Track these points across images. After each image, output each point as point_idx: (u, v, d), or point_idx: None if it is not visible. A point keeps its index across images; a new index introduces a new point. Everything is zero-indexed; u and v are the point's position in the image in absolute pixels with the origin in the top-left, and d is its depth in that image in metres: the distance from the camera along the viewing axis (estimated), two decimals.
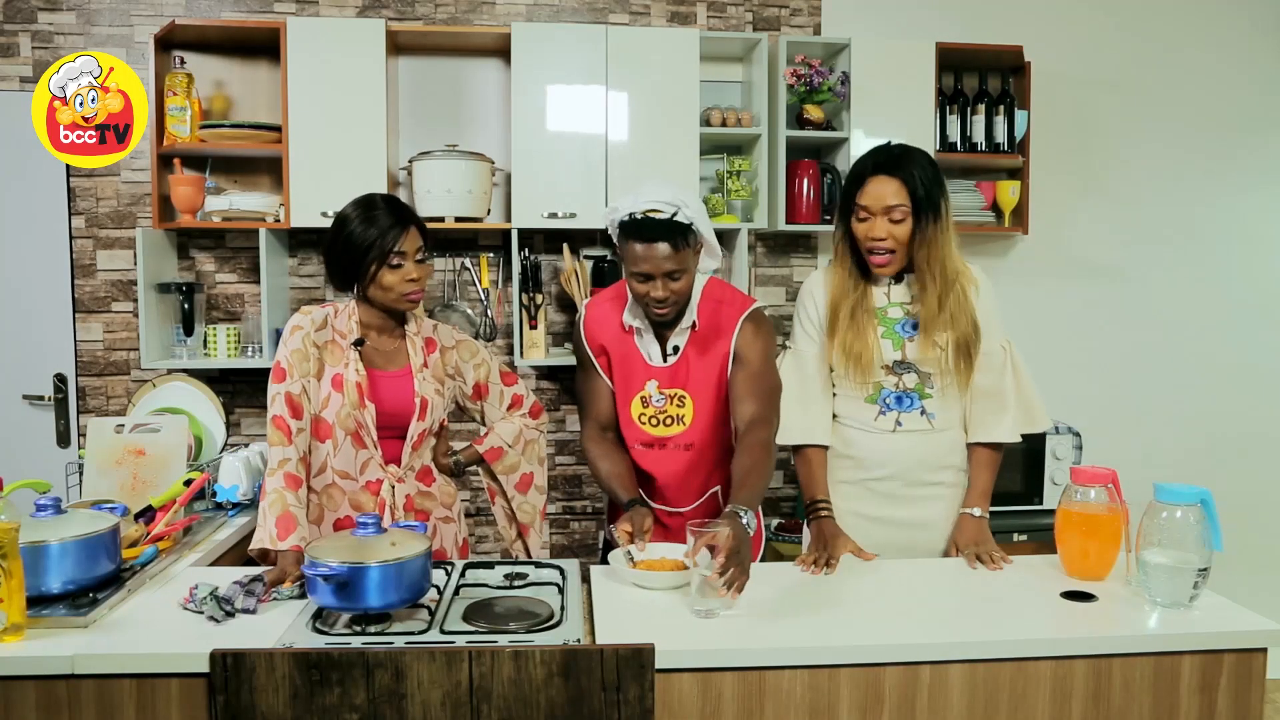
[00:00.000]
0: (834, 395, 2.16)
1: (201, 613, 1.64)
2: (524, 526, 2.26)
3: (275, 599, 1.72)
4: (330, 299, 3.34)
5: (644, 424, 2.15)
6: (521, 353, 3.19)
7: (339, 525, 2.03)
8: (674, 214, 1.95)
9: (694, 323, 2.11)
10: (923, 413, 2.08)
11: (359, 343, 2.04)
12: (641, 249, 1.96)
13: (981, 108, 3.34)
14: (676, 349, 2.13)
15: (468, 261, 3.36)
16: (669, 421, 2.14)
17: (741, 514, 1.74)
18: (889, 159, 2.02)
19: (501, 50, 3.22)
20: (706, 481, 2.20)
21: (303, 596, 1.73)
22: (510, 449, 2.21)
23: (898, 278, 2.11)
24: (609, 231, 2.10)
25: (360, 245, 1.97)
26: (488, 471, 2.24)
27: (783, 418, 2.07)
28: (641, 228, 1.95)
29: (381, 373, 2.06)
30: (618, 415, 2.18)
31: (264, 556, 1.87)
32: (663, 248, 1.95)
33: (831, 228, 3.33)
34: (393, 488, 2.05)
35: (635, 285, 2.03)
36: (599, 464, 2.12)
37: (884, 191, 1.99)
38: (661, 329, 2.13)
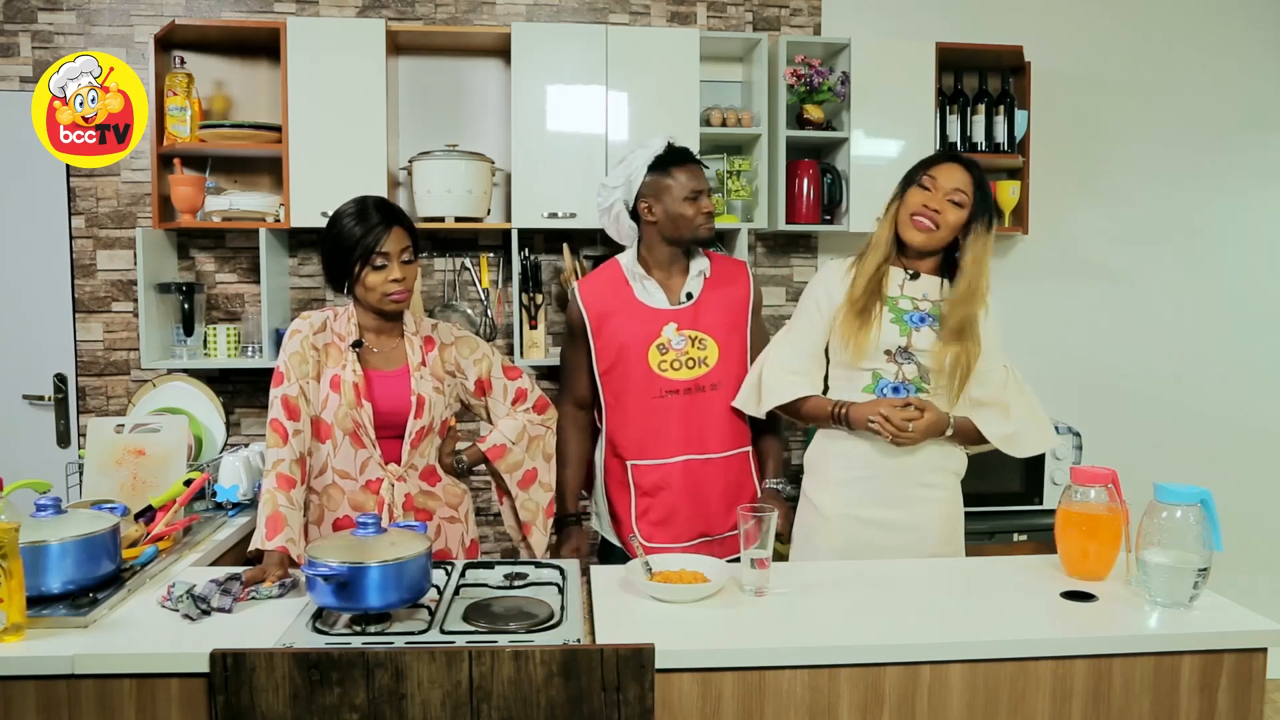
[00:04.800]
0: (826, 389, 2.18)
1: (177, 610, 1.64)
2: (526, 525, 2.25)
3: (253, 598, 1.72)
4: (330, 300, 3.35)
5: (665, 370, 2.23)
6: (521, 353, 3.19)
7: (338, 525, 2.03)
8: (702, 158, 2.27)
9: (707, 268, 2.29)
10: None
11: (357, 344, 2.05)
12: (688, 171, 2.20)
13: (981, 108, 3.34)
14: (690, 295, 2.26)
15: (468, 261, 3.37)
16: (691, 364, 2.23)
17: (780, 488, 2.28)
18: (966, 158, 2.15)
19: (501, 50, 3.22)
20: (738, 426, 2.27)
21: (281, 596, 1.74)
22: (514, 446, 2.20)
23: (915, 274, 2.13)
24: (629, 179, 2.24)
25: (346, 244, 1.99)
26: (492, 470, 2.24)
27: (771, 383, 2.16)
28: (683, 154, 2.22)
29: (379, 373, 2.07)
30: (629, 376, 2.24)
31: (259, 557, 1.88)
32: (698, 171, 2.22)
33: (832, 228, 3.36)
34: (392, 486, 2.05)
35: (684, 209, 2.20)
36: (567, 454, 2.32)
37: (955, 175, 2.09)
38: (676, 265, 2.27)
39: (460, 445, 2.25)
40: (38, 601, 1.62)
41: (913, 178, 2.13)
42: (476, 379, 2.19)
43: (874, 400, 2.07)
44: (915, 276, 2.14)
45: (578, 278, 3.24)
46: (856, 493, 2.12)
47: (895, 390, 2.09)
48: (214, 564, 2.08)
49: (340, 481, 2.05)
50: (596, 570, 1.92)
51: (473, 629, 1.58)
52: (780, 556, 2.35)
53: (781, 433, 2.35)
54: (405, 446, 2.06)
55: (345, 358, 2.04)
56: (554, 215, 3.09)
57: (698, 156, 2.27)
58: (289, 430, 1.96)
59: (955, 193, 2.07)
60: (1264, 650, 1.63)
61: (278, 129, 3.05)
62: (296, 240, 3.32)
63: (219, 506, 2.41)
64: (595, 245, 3.39)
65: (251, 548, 1.88)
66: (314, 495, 2.06)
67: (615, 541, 2.34)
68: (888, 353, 2.09)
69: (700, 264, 2.29)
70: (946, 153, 2.18)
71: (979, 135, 3.35)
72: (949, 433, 2.07)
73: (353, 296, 2.08)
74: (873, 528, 2.10)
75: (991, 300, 2.15)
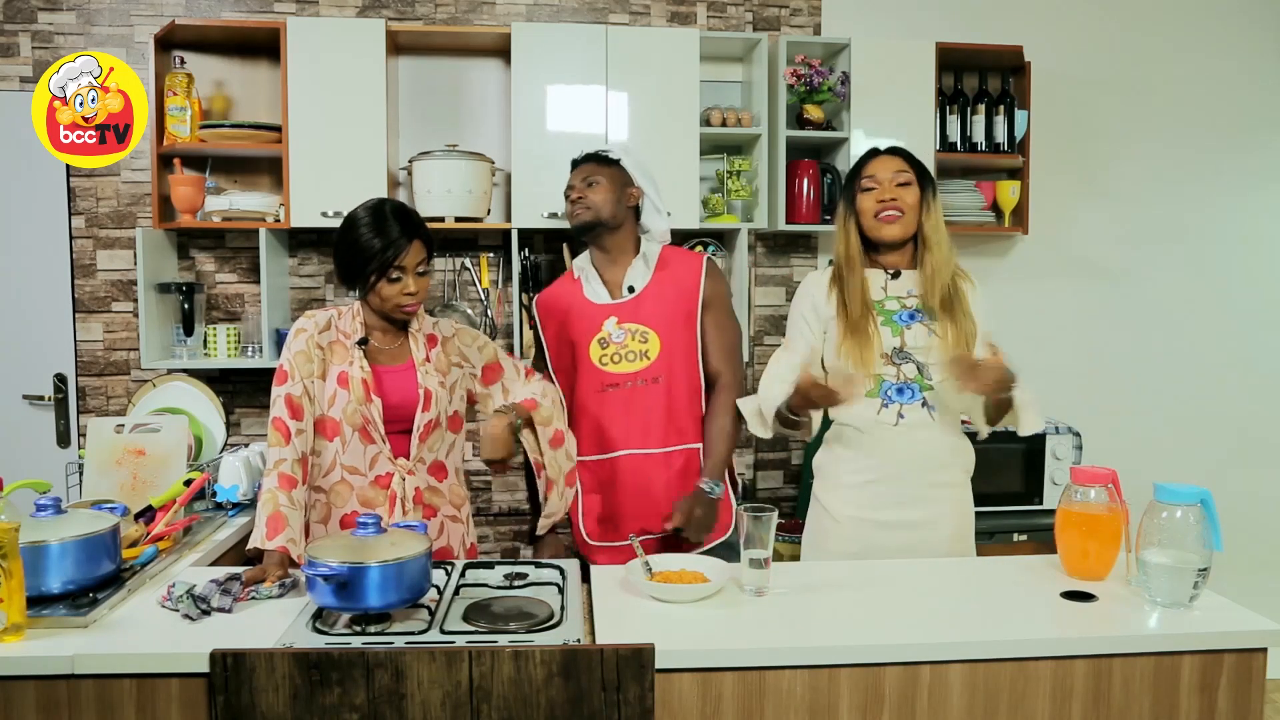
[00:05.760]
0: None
1: (177, 610, 1.64)
2: (550, 482, 2.17)
3: (253, 598, 1.73)
4: (330, 299, 3.35)
5: (604, 364, 2.26)
6: (521, 352, 3.19)
7: (345, 521, 2.03)
8: (602, 151, 2.37)
9: (648, 257, 2.32)
10: (924, 404, 2.09)
11: (363, 341, 2.05)
12: (574, 171, 2.35)
13: (981, 108, 3.34)
14: (632, 289, 2.30)
15: (468, 261, 3.37)
16: (631, 357, 2.25)
17: (707, 488, 2.19)
18: (888, 148, 2.22)
19: (501, 50, 3.22)
20: (681, 421, 2.26)
21: (281, 596, 1.74)
22: (543, 400, 2.15)
23: (895, 273, 2.15)
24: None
25: (363, 254, 1.98)
26: (529, 424, 2.14)
27: (765, 394, 2.15)
28: (583, 156, 2.38)
29: (386, 368, 2.07)
30: (577, 372, 2.30)
31: (259, 556, 1.88)
32: (584, 166, 2.34)
33: (832, 228, 3.36)
34: (403, 480, 2.05)
35: (566, 208, 2.34)
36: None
37: (890, 162, 2.16)
38: (600, 252, 2.33)
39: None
40: (38, 601, 1.62)
41: (853, 186, 2.17)
42: (484, 365, 2.18)
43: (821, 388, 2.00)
44: (896, 275, 2.16)
45: None
46: (868, 495, 2.12)
47: (899, 391, 2.09)
48: (214, 564, 2.08)
49: (349, 478, 2.05)
50: (596, 570, 1.92)
51: (473, 629, 1.58)
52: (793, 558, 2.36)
53: (732, 429, 2.26)
54: (414, 440, 2.06)
55: (351, 354, 2.04)
56: (554, 215, 3.09)
57: (601, 153, 2.35)
58: (291, 430, 1.96)
59: (898, 175, 2.13)
60: (1264, 650, 1.63)
61: (278, 129, 3.05)
62: (296, 240, 3.32)
63: (219, 506, 2.41)
64: None
65: (250, 546, 1.88)
66: (320, 494, 2.06)
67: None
68: (884, 356, 2.09)
69: (646, 257, 2.32)
70: (871, 151, 2.21)
71: (979, 135, 3.35)
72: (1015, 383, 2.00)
73: (361, 298, 2.08)
74: (886, 529, 2.10)
75: (970, 274, 2.19)
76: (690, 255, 2.39)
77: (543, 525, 2.24)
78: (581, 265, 2.37)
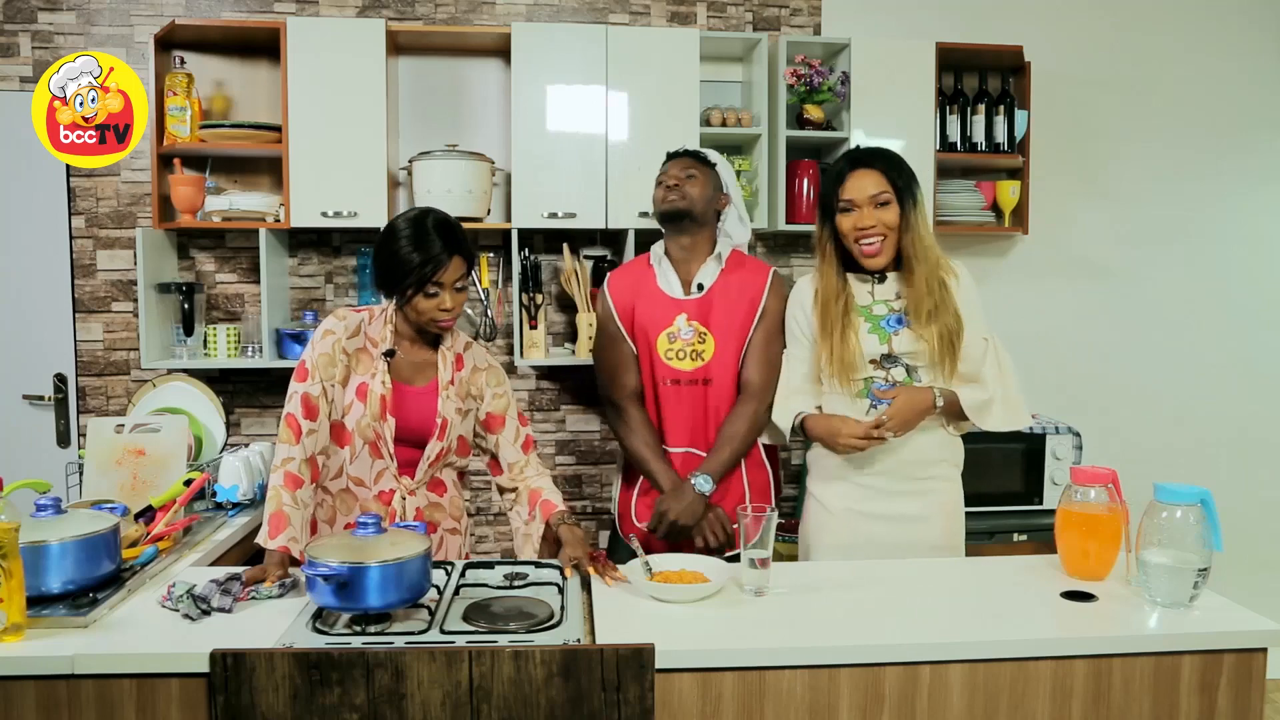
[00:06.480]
0: (823, 396, 2.19)
1: (177, 610, 1.64)
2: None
3: (253, 598, 1.73)
4: (330, 299, 3.35)
5: (671, 359, 2.32)
6: (521, 352, 3.19)
7: (348, 528, 2.03)
8: (701, 151, 2.41)
9: (720, 256, 2.35)
10: None
11: (390, 354, 2.03)
12: (671, 162, 2.40)
13: (981, 108, 3.34)
14: (701, 286, 2.34)
15: None
16: (694, 356, 2.31)
17: (697, 483, 2.22)
18: (864, 154, 2.15)
19: (501, 50, 3.22)
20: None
21: (281, 596, 1.74)
22: (558, 503, 2.10)
23: (880, 277, 2.15)
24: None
25: (402, 266, 1.94)
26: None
27: (776, 409, 2.22)
28: (679, 151, 2.43)
29: (408, 387, 2.04)
30: (651, 361, 2.34)
31: (263, 552, 1.88)
32: (683, 159, 2.38)
33: None
34: (404, 499, 2.05)
35: (658, 193, 2.37)
36: (638, 432, 2.33)
37: (865, 183, 2.08)
38: (678, 245, 2.36)
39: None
40: (38, 601, 1.62)
41: (830, 203, 2.11)
42: (489, 414, 2.13)
43: (829, 419, 2.10)
44: (882, 279, 2.15)
45: (578, 278, 3.25)
46: (860, 488, 2.13)
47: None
48: (214, 564, 2.08)
49: (354, 488, 2.05)
50: None
51: (473, 629, 1.59)
52: (790, 556, 2.36)
53: (745, 436, 2.28)
54: (423, 465, 2.05)
55: (376, 366, 2.01)
56: (554, 215, 3.08)
57: (700, 152, 2.40)
58: (304, 429, 1.94)
59: (878, 197, 2.07)
60: (1264, 650, 1.63)
61: (278, 129, 3.05)
62: (296, 240, 3.32)
63: (219, 506, 2.41)
64: (595, 245, 3.40)
65: (257, 542, 1.88)
66: (329, 496, 2.05)
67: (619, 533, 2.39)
68: (873, 361, 2.10)
69: (719, 256, 2.35)
70: (847, 159, 2.13)
71: (979, 135, 3.35)
72: (940, 403, 2.05)
73: (398, 308, 2.04)
74: (878, 522, 2.12)
75: (960, 268, 2.15)
76: (759, 265, 2.41)
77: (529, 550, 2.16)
78: (658, 254, 2.39)
